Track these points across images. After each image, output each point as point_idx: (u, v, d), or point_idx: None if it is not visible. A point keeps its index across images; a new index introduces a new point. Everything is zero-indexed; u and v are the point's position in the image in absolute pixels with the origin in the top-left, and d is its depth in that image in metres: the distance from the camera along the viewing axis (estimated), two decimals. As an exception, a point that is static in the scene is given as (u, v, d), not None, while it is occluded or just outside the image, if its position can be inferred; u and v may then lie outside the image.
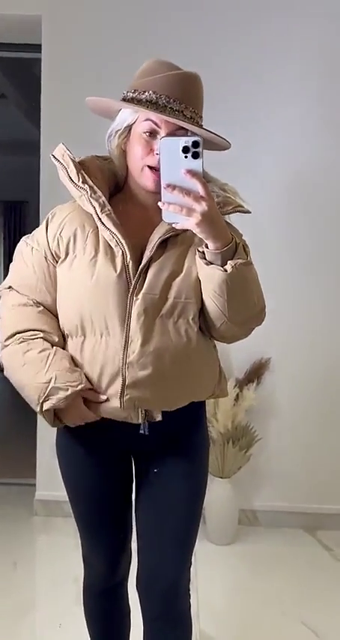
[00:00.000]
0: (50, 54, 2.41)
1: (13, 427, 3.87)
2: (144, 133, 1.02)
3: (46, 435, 2.50)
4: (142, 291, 1.02)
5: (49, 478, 2.52)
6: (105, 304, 1.03)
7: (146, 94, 1.00)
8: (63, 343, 1.10)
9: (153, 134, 1.01)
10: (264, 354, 2.46)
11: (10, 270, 1.18)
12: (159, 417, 1.07)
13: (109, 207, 1.04)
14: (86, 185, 1.05)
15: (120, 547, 1.24)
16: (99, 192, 1.05)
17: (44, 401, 1.04)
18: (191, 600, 1.21)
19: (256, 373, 2.46)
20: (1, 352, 1.12)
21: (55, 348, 1.08)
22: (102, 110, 1.11)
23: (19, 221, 7.76)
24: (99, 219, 1.04)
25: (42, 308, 1.12)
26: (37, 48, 2.44)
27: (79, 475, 1.17)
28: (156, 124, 1.01)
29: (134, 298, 1.02)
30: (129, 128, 1.05)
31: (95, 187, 1.05)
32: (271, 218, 2.36)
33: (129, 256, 1.03)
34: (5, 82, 4.50)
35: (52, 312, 1.12)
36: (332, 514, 2.50)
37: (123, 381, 1.03)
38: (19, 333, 1.09)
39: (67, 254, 1.08)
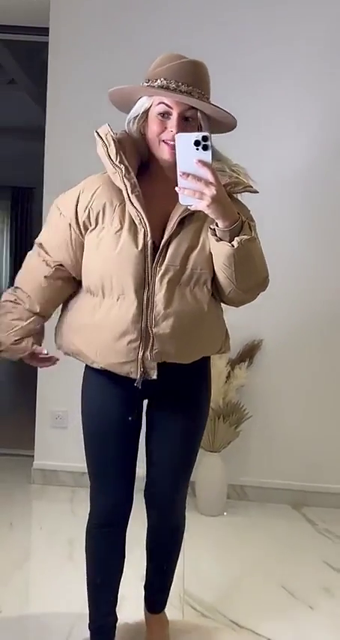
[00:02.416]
0: (57, 38, 2.48)
1: (12, 402, 4.01)
2: (159, 114, 1.19)
3: (45, 408, 2.63)
4: (165, 262, 1.20)
5: (47, 449, 2.63)
6: (124, 274, 1.20)
7: (158, 81, 1.17)
8: (43, 315, 1.35)
9: (166, 115, 1.19)
10: (257, 336, 2.55)
11: (44, 224, 1.37)
12: (154, 376, 1.24)
13: (139, 189, 1.21)
14: (122, 165, 1.20)
15: (128, 482, 1.38)
16: (132, 173, 1.21)
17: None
18: (178, 561, 1.52)
19: (248, 354, 2.55)
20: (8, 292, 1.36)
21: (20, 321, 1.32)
22: (122, 100, 1.26)
23: (27, 207, 7.87)
24: (129, 197, 1.20)
25: (45, 281, 1.31)
26: (46, 31, 2.51)
27: (102, 413, 1.34)
28: (168, 105, 1.18)
29: (158, 268, 1.20)
30: (146, 113, 1.21)
31: (129, 168, 1.21)
32: (267, 207, 2.43)
33: (149, 235, 1.20)
34: (15, 67, 4.57)
35: (69, 269, 1.31)
36: (318, 492, 2.59)
37: (152, 337, 1.21)
38: (19, 289, 1.34)
39: (96, 224, 1.25)
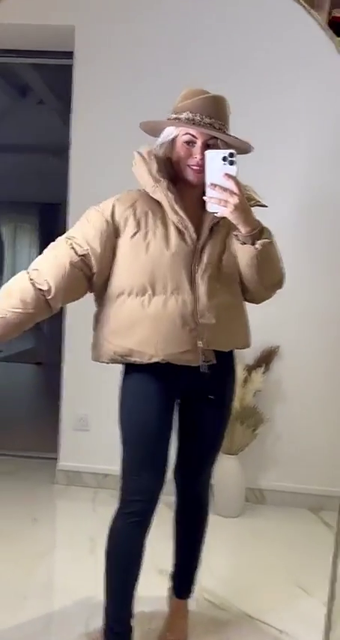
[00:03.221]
0: (82, 62, 2.62)
1: (36, 407, 4.15)
2: (185, 143, 1.36)
3: (69, 411, 2.73)
4: (204, 262, 1.37)
5: (70, 450, 2.73)
6: (178, 271, 1.35)
7: (184, 114, 1.34)
8: (52, 292, 1.36)
9: (191, 143, 1.35)
10: (274, 342, 2.61)
11: (74, 226, 1.45)
12: (214, 360, 1.38)
13: (179, 200, 1.36)
14: (165, 180, 1.37)
15: (163, 475, 1.44)
16: (172, 187, 1.37)
17: None
18: None
19: (265, 360, 2.61)
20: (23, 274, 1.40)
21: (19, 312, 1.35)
22: (151, 129, 1.43)
23: (54, 222, 8.09)
24: (172, 207, 1.36)
25: (68, 266, 1.37)
26: (71, 54, 2.66)
27: (147, 410, 1.41)
28: (193, 135, 1.34)
29: (197, 268, 1.36)
30: (173, 140, 1.38)
31: (170, 183, 1.37)
32: (283, 216, 2.51)
33: (195, 236, 1.36)
34: (44, 89, 4.79)
35: (93, 260, 1.38)
36: (336, 496, 2.61)
37: (201, 328, 1.35)
38: (36, 270, 1.39)
39: (138, 228, 1.38)
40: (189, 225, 1.36)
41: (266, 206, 1.40)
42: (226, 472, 2.49)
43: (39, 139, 6.27)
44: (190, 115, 1.33)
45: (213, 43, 2.55)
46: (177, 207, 1.35)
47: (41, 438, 3.14)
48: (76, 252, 1.38)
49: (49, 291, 1.35)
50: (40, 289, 1.35)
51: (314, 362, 2.63)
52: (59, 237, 1.44)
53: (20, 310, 1.34)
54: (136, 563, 1.46)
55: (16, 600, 1.80)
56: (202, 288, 1.36)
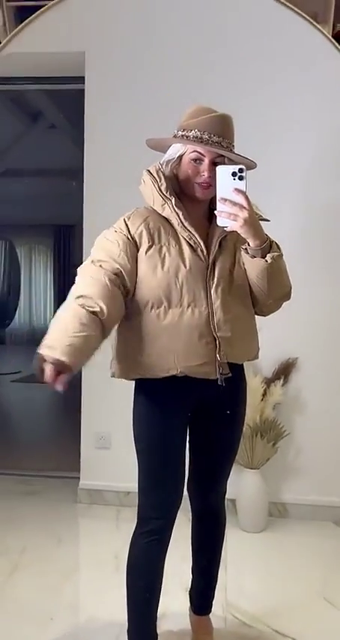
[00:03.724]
0: (92, 87, 2.68)
1: (57, 427, 4.17)
2: (193, 160, 1.38)
3: (89, 430, 2.75)
4: (216, 276, 1.38)
5: (92, 469, 2.74)
6: (196, 285, 1.37)
7: (192, 132, 1.36)
8: (105, 313, 1.31)
9: (198, 160, 1.37)
10: (292, 354, 2.61)
11: (92, 252, 1.43)
12: (230, 373, 1.38)
13: (187, 216, 1.38)
14: (173, 196, 1.39)
15: (181, 491, 1.46)
16: (180, 203, 1.39)
17: (45, 348, 1.25)
18: (219, 576, 1.64)
19: (283, 372, 2.61)
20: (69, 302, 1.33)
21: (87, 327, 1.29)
22: (157, 144, 1.46)
23: (68, 243, 8.22)
24: (182, 222, 1.38)
25: (109, 284, 1.34)
26: (82, 79, 2.73)
27: (164, 427, 1.41)
28: (201, 153, 1.36)
29: (211, 282, 1.37)
30: (180, 157, 1.39)
31: (178, 200, 1.39)
32: (292, 226, 2.53)
33: (205, 251, 1.38)
34: (56, 113, 4.90)
35: (125, 277, 1.37)
36: (361, 509, 2.58)
37: (218, 341, 1.36)
38: (82, 296, 1.32)
39: (153, 242, 1.39)
40: (199, 240, 1.38)
41: (269, 220, 1.40)
42: (248, 487, 2.48)
43: (51, 163, 6.39)
44: (198, 133, 1.35)
45: (220, 61, 2.59)
46: (186, 224, 1.37)
47: (62, 458, 3.16)
48: (108, 271, 1.36)
49: (101, 312, 1.30)
50: (94, 312, 1.30)
51: (333, 373, 2.61)
52: (84, 264, 1.41)
53: (84, 333, 1.26)
54: (156, 582, 1.46)
55: (43, 621, 1.81)
56: (217, 301, 1.37)
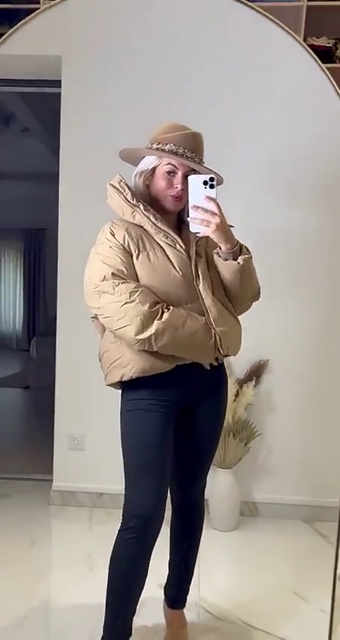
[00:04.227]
0: (68, 91, 2.67)
1: (29, 430, 4.15)
2: (167, 172, 1.45)
3: (62, 431, 2.75)
4: (201, 277, 1.44)
5: (65, 471, 2.74)
6: (186, 284, 1.43)
7: (168, 145, 1.42)
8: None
9: (172, 173, 1.44)
10: (263, 356, 2.67)
11: (95, 271, 1.42)
12: (220, 361, 1.50)
13: (158, 217, 1.43)
14: (140, 202, 1.44)
15: (166, 487, 1.49)
16: (149, 207, 1.44)
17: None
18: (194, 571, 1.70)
19: (255, 373, 2.66)
20: (153, 326, 1.36)
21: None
22: (129, 156, 1.52)
23: (40, 247, 8.15)
24: (155, 224, 1.43)
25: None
26: (58, 83, 2.74)
27: (149, 425, 1.45)
28: (175, 166, 1.43)
29: (198, 282, 1.43)
30: (153, 169, 1.45)
31: (146, 204, 1.44)
32: (268, 230, 2.59)
33: (184, 246, 1.43)
34: (29, 116, 4.88)
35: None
36: (330, 507, 2.65)
37: (218, 335, 1.43)
38: (157, 303, 1.38)
39: (139, 250, 1.43)
40: (175, 236, 1.43)
41: (233, 226, 1.45)
42: (220, 486, 2.52)
43: (24, 167, 6.37)
44: (174, 147, 1.42)
45: (196, 69, 2.64)
46: (159, 224, 1.43)
47: (35, 460, 3.14)
48: (130, 284, 1.38)
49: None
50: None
51: (303, 374, 2.68)
52: (96, 287, 1.41)
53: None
54: (136, 582, 1.47)
55: (17, 620, 1.80)
56: (208, 300, 1.43)
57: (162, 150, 1.43)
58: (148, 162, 1.46)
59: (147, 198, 1.48)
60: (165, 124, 1.49)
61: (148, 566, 1.48)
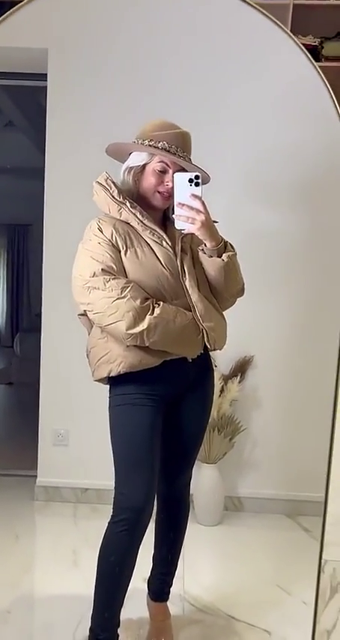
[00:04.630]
0: (55, 85, 2.65)
1: (13, 426, 4.12)
2: (158, 170, 1.46)
3: (47, 427, 2.74)
4: (187, 273, 1.46)
5: (49, 466, 2.73)
6: (173, 279, 1.44)
7: (161, 143, 1.44)
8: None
9: (163, 171, 1.45)
10: (248, 352, 2.69)
11: (84, 266, 1.43)
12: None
13: (145, 214, 1.44)
14: (126, 200, 1.45)
15: (155, 479, 1.49)
16: (136, 204, 1.45)
17: None
18: (178, 567, 1.72)
19: (240, 369, 2.68)
20: (144, 321, 1.37)
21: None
22: (117, 151, 1.52)
23: (23, 243, 8.09)
24: (141, 221, 1.44)
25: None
26: (43, 76, 2.71)
27: (137, 419, 1.46)
28: (167, 164, 1.45)
29: (184, 277, 1.45)
30: (144, 166, 1.46)
31: (132, 201, 1.45)
32: (252, 228, 2.61)
33: (171, 243, 1.45)
34: (14, 110, 4.83)
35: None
36: (313, 501, 2.68)
37: (205, 330, 1.46)
38: (148, 299, 1.41)
39: (126, 246, 1.43)
40: (162, 233, 1.45)
41: (217, 222, 1.46)
42: (205, 481, 2.53)
43: (7, 161, 6.30)
44: (167, 145, 1.43)
45: (184, 63, 2.63)
46: (146, 222, 1.44)
47: (19, 456, 3.12)
48: (120, 279, 1.40)
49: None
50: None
51: (288, 370, 2.71)
52: (87, 282, 1.41)
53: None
54: (125, 573, 1.48)
55: (1, 615, 1.79)
56: (194, 295, 1.45)
57: (155, 147, 1.44)
58: (139, 158, 1.47)
59: (135, 194, 1.49)
60: (155, 120, 1.50)
61: (136, 558, 1.50)
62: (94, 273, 1.40)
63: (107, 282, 1.39)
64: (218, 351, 1.56)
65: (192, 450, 1.63)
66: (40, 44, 2.63)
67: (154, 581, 1.71)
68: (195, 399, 1.57)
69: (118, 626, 1.52)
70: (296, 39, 1.51)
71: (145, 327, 1.36)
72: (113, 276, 1.40)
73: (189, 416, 1.58)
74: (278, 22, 1.53)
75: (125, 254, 1.43)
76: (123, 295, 1.37)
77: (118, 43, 2.64)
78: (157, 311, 1.38)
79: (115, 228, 1.44)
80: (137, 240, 1.44)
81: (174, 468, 1.63)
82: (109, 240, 1.43)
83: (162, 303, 1.41)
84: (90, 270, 1.41)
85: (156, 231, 1.45)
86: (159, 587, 1.70)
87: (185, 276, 1.46)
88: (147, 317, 1.37)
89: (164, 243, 1.45)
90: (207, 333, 1.46)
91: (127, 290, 1.37)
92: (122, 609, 1.51)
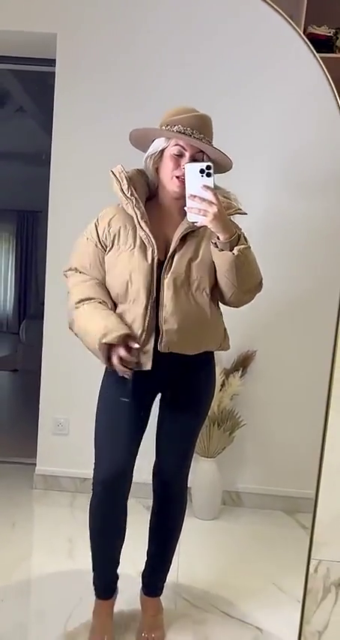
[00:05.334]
0: (63, 69, 2.63)
1: (15, 414, 4.14)
2: (174, 154, 1.46)
3: (47, 416, 2.74)
4: (171, 270, 1.45)
5: (48, 455, 2.73)
6: (138, 282, 1.45)
7: (176, 127, 1.44)
8: (113, 308, 1.51)
9: (180, 155, 1.45)
10: (251, 347, 2.67)
11: (71, 256, 1.59)
12: (149, 367, 1.47)
13: (146, 217, 1.47)
14: (133, 197, 1.47)
15: (134, 444, 1.59)
16: (141, 204, 1.48)
17: (103, 338, 1.41)
18: (172, 561, 1.72)
19: (242, 364, 2.66)
20: (73, 313, 1.51)
21: (108, 309, 1.49)
22: (138, 138, 1.54)
23: (33, 230, 8.09)
24: (139, 222, 1.47)
25: (99, 282, 1.53)
26: (52, 62, 2.68)
27: (113, 408, 1.56)
28: (183, 147, 1.45)
29: (165, 276, 1.44)
30: (161, 152, 1.47)
31: (139, 199, 1.48)
32: (260, 222, 2.57)
33: (156, 252, 1.46)
34: (24, 96, 4.81)
35: (104, 285, 1.54)
36: (311, 499, 2.66)
37: (162, 332, 1.45)
38: (84, 300, 1.50)
39: (113, 245, 1.51)
40: (153, 240, 1.46)
41: (246, 213, 1.47)
42: (203, 475, 2.52)
43: (18, 147, 6.28)
44: (182, 128, 1.43)
45: (195, 49, 2.59)
46: (143, 225, 1.46)
47: (19, 444, 3.12)
48: (89, 278, 1.55)
49: (104, 302, 1.52)
50: (100, 302, 1.51)
51: (290, 367, 2.68)
52: (67, 269, 1.59)
53: (111, 312, 1.51)
54: (109, 537, 1.62)
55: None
56: (167, 296, 1.44)
57: (171, 130, 1.44)
58: (157, 144, 1.49)
59: (157, 183, 1.52)
60: (174, 107, 1.51)
61: (122, 519, 1.61)
62: (70, 267, 1.58)
63: (73, 276, 1.56)
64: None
65: (183, 445, 1.63)
66: (49, 29, 2.61)
67: (147, 576, 1.72)
68: (181, 397, 1.58)
69: (116, 584, 1.67)
70: (301, 32, 1.46)
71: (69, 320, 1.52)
72: (79, 272, 1.55)
73: (176, 412, 1.60)
74: (284, 14, 1.47)
75: (109, 251, 1.52)
76: (70, 292, 1.53)
77: (128, 26, 2.60)
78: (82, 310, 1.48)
79: (111, 223, 1.51)
80: (126, 238, 1.49)
81: (165, 462, 1.65)
82: (97, 239, 1.53)
83: (95, 303, 1.49)
84: (71, 260, 1.58)
85: (149, 237, 1.46)
86: (152, 582, 1.71)
87: (167, 275, 1.45)
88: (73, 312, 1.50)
89: (150, 250, 1.47)
90: (162, 335, 1.45)
91: (76, 287, 1.52)
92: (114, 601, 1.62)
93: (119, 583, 1.68)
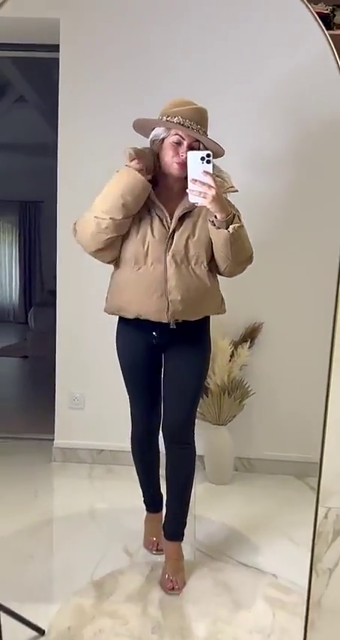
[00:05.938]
0: (67, 56, 2.64)
1: (29, 396, 4.26)
2: (174, 142, 1.65)
3: (63, 391, 2.83)
4: (172, 247, 1.67)
5: (66, 429, 2.83)
6: (158, 249, 1.67)
7: (176, 118, 1.63)
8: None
9: (179, 144, 1.65)
10: (258, 318, 2.75)
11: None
12: (173, 326, 1.70)
13: (159, 193, 1.69)
14: (149, 175, 1.66)
15: (154, 404, 1.87)
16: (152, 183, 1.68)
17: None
18: (188, 522, 1.88)
19: (250, 335, 2.74)
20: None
21: None
22: (141, 126, 1.72)
23: (35, 220, 8.15)
24: (152, 198, 1.67)
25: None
26: (55, 48, 2.68)
27: (131, 355, 1.82)
28: (182, 137, 1.64)
29: (167, 253, 1.67)
30: (162, 139, 1.66)
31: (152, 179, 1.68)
32: (263, 195, 2.64)
33: (170, 222, 1.68)
34: (25, 85, 4.84)
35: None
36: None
37: (168, 302, 1.67)
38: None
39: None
40: (166, 213, 1.68)
41: (237, 191, 1.69)
42: (216, 442, 2.62)
43: (19, 137, 6.32)
44: (181, 119, 1.62)
45: (200, 33, 2.60)
46: (156, 200, 1.67)
47: (36, 422, 3.23)
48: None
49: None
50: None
51: (297, 336, 2.76)
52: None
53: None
54: (147, 463, 1.98)
55: (23, 558, 1.92)
56: (170, 270, 1.66)
57: (171, 122, 1.63)
58: (158, 132, 1.68)
59: (157, 163, 1.70)
60: (174, 99, 1.69)
61: (155, 450, 1.96)
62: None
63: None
64: (221, 316, 1.82)
65: (186, 396, 1.80)
66: (52, 14, 2.63)
67: (168, 521, 1.85)
68: (183, 354, 1.78)
69: (158, 499, 2.00)
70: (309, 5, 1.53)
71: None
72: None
73: (179, 366, 1.79)
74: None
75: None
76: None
77: (133, 12, 2.61)
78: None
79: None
80: (143, 209, 1.67)
81: (171, 414, 1.83)
82: None
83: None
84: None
85: (162, 210, 1.67)
86: (173, 527, 1.84)
87: (169, 251, 1.66)
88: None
89: (164, 220, 1.67)
90: (168, 304, 1.66)
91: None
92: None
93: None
